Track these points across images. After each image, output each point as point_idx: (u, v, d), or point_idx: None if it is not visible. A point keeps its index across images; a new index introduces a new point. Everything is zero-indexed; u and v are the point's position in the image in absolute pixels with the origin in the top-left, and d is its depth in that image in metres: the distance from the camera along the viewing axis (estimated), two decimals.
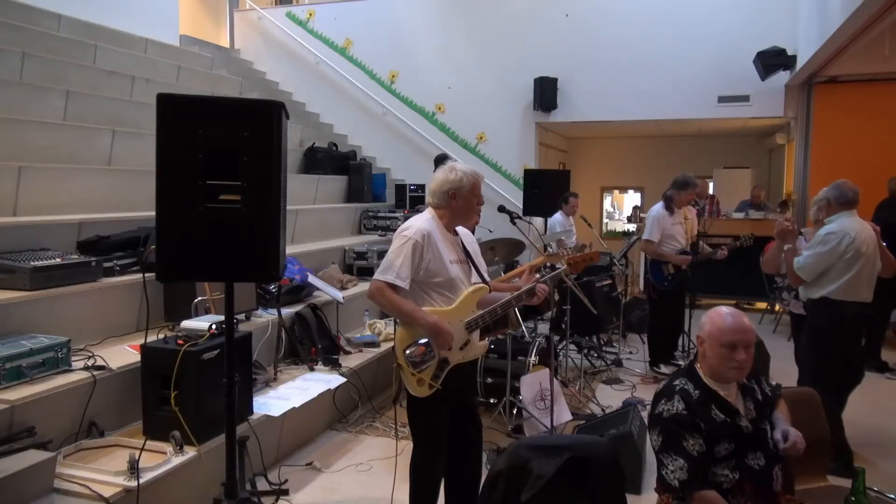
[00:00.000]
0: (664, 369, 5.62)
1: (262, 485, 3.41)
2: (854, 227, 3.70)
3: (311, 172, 7.76)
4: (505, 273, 4.67)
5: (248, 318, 4.20)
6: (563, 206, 6.69)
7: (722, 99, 8.29)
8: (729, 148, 11.43)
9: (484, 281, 2.91)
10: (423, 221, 2.76)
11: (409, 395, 2.77)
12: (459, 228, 2.93)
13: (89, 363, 3.11)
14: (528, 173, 7.64)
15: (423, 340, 2.70)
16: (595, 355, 5.92)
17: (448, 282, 2.74)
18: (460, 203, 2.77)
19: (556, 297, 4.92)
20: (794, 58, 7.40)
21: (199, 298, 3.80)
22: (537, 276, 3.07)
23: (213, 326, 3.20)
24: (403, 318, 2.72)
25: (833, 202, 3.79)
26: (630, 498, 2.31)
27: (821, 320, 3.81)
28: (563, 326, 5.13)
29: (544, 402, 4.18)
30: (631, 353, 6.31)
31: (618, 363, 5.91)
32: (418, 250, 2.66)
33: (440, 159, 7.19)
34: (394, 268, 2.65)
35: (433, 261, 2.69)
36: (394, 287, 2.65)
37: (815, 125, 7.88)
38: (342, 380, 4.17)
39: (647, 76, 8.50)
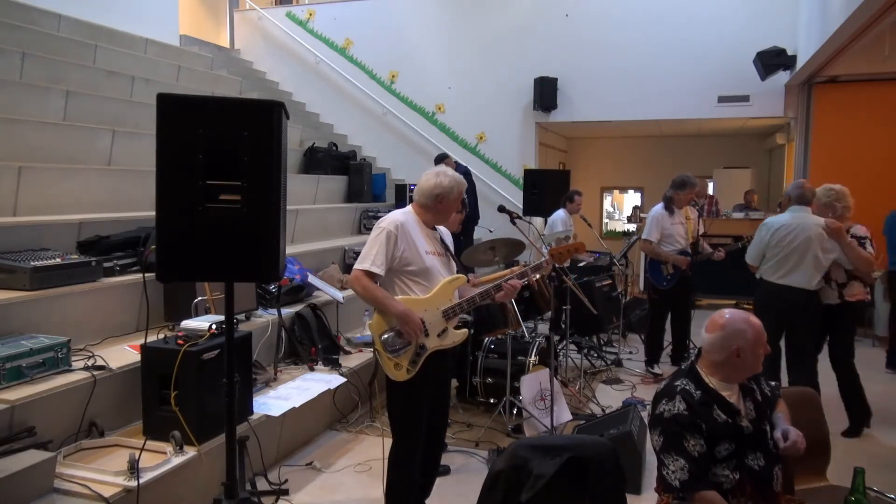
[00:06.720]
0: (656, 369, 5.61)
1: (262, 485, 3.42)
2: (786, 219, 4.21)
3: (311, 172, 7.77)
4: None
5: (248, 318, 4.20)
6: (567, 205, 6.69)
7: (722, 99, 8.29)
8: (729, 148, 11.44)
9: (464, 272, 3.00)
10: (399, 214, 2.88)
11: (389, 382, 2.84)
12: (439, 227, 3.09)
13: (89, 363, 3.11)
14: (528, 173, 7.64)
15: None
16: (595, 355, 5.92)
17: (423, 271, 2.82)
18: (444, 206, 2.90)
19: (550, 292, 4.93)
20: (794, 58, 7.40)
21: (199, 298, 3.80)
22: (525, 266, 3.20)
23: (213, 326, 3.20)
24: (376, 305, 2.81)
25: (793, 199, 4.26)
26: (630, 498, 2.30)
27: (757, 296, 4.42)
28: (563, 326, 5.13)
29: (544, 402, 4.18)
30: (631, 353, 6.31)
31: (618, 363, 5.91)
32: (392, 239, 2.75)
33: (440, 159, 7.20)
34: (370, 257, 2.75)
35: (407, 249, 2.78)
36: (371, 275, 2.74)
37: (815, 125, 7.87)
38: (342, 380, 4.18)
39: (647, 76, 8.50)
